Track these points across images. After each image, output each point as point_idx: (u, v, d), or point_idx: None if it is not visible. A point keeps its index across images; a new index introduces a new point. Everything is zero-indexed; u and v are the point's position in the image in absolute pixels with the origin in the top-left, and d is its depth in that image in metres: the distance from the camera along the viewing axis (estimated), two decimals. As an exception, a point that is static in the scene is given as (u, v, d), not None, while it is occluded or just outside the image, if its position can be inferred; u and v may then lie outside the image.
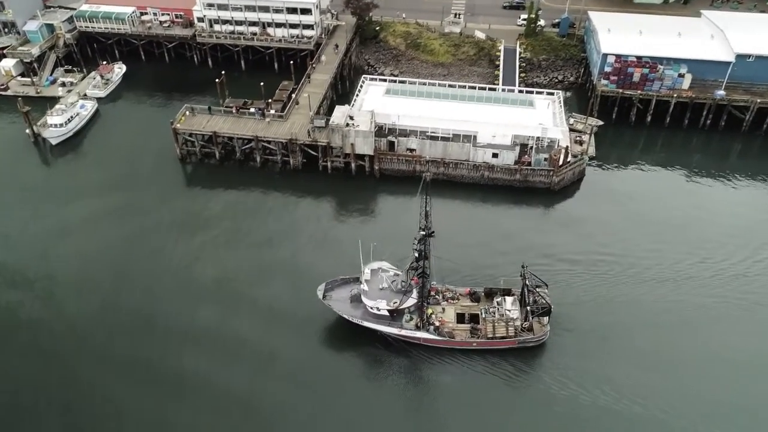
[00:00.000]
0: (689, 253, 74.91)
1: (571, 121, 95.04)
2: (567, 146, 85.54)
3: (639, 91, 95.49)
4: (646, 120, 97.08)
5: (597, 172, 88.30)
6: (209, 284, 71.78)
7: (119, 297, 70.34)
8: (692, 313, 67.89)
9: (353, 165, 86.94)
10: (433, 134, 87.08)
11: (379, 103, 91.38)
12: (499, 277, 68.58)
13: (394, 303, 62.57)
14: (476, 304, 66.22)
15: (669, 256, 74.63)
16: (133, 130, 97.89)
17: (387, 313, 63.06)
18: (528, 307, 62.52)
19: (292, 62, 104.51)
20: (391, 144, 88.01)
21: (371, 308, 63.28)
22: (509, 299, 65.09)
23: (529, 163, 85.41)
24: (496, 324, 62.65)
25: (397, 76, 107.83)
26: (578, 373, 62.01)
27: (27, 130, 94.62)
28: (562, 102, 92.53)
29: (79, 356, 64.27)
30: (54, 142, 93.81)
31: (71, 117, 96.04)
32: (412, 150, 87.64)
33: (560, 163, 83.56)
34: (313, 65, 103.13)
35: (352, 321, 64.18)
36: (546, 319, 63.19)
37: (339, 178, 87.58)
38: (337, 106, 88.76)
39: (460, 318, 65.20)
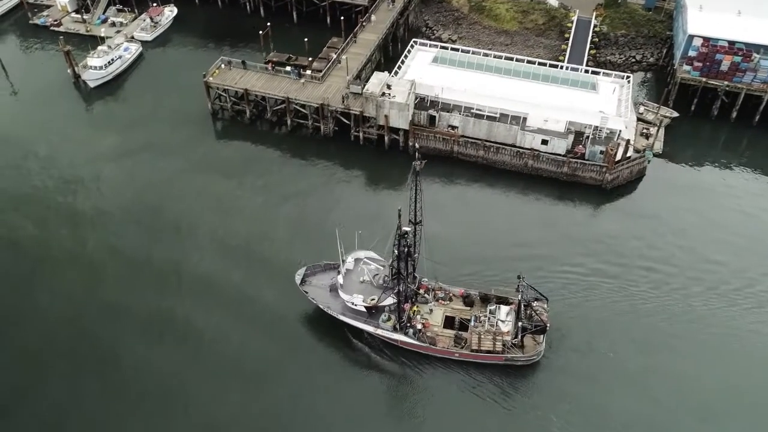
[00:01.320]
0: (756, 280, 64.53)
1: (641, 109, 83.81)
2: (628, 139, 75.24)
3: (726, 82, 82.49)
4: (731, 116, 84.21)
5: (661, 172, 77.28)
6: (214, 235, 69.92)
7: (125, 233, 70.66)
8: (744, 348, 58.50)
9: (387, 139, 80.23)
10: (478, 112, 78.83)
11: (425, 71, 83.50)
12: (512, 281, 61.24)
13: (372, 300, 56.65)
14: (469, 308, 59.08)
15: (730, 279, 64.51)
16: (172, 79, 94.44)
17: (364, 310, 57.23)
18: (521, 323, 55.11)
19: (342, 18, 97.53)
20: (432, 119, 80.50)
21: (347, 302, 57.58)
22: (504, 309, 57.69)
23: (582, 155, 75.92)
24: (482, 336, 55.52)
25: (455, 41, 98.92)
26: (571, 408, 54.17)
27: (68, 70, 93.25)
28: (631, 87, 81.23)
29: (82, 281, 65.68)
30: (92, 84, 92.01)
31: (112, 60, 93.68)
32: (453, 127, 79.85)
33: (617, 158, 73.62)
34: (363, 23, 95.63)
35: (327, 312, 58.75)
36: (541, 337, 55.81)
37: (370, 152, 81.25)
38: (375, 73, 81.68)
39: (449, 322, 58.43)
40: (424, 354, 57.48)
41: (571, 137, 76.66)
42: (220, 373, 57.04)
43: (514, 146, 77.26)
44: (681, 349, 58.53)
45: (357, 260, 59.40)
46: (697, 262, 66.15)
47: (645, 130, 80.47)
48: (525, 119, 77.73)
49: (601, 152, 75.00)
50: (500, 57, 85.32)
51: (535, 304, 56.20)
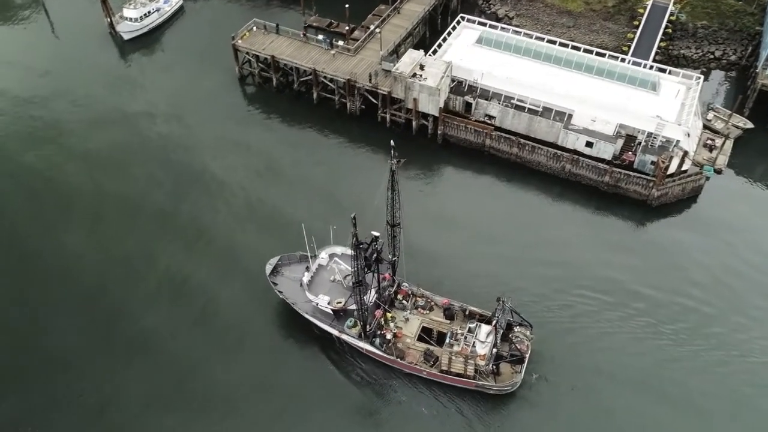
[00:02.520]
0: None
1: (710, 115, 73.44)
2: (686, 151, 65.73)
3: (817, 93, 70.99)
4: (818, 134, 72.73)
5: (720, 192, 67.25)
6: (222, 196, 67.84)
7: (139, 184, 69.79)
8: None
9: (414, 123, 73.65)
10: (519, 103, 70.89)
11: (466, 52, 75.74)
12: (523, 298, 55.44)
13: (338, 303, 51.61)
14: (448, 322, 53.20)
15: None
16: (209, 36, 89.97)
17: (330, 312, 52.30)
18: (495, 349, 49.09)
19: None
20: (468, 106, 73.21)
21: (312, 302, 52.79)
22: (485, 329, 51.45)
23: (630, 163, 67.13)
24: (453, 357, 49.72)
25: (511, 18, 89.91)
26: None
27: (105, 19, 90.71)
28: (699, 89, 70.79)
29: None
30: (126, 37, 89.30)
31: (149, 12, 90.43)
32: (491, 117, 72.33)
33: (669, 172, 64.50)
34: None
35: (293, 307, 54.07)
36: (520, 366, 49.77)
37: (396, 136, 73.10)
38: (409, 50, 74.58)
39: (426, 334, 52.76)
40: (392, 366, 52.49)
41: (621, 142, 67.80)
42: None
43: (555, 146, 69.20)
44: (702, 411, 50.83)
45: (331, 256, 54.41)
46: (742, 308, 57.06)
47: (710, 141, 70.32)
48: (570, 116, 69.27)
49: (652, 163, 65.99)
50: (553, 42, 76.15)
51: (516, 329, 50.41)
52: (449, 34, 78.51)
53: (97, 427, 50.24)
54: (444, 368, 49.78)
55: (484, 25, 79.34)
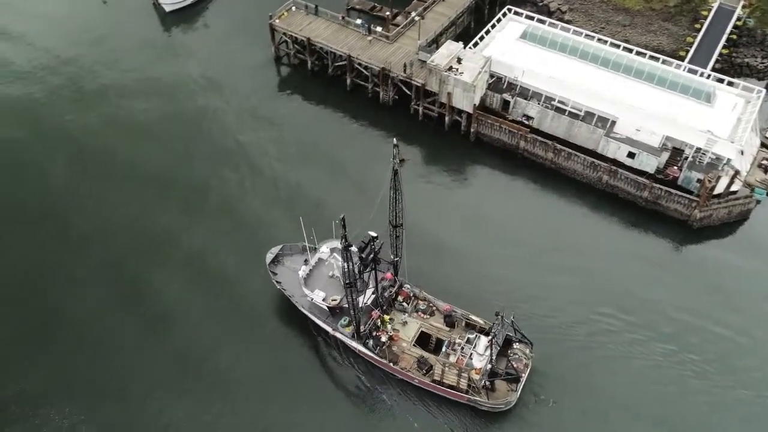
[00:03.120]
0: None
1: (769, 133, 67.76)
2: (738, 171, 60.72)
3: None
4: None
5: (770, 219, 62.29)
6: (249, 174, 66.93)
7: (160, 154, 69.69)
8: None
9: (447, 119, 70.46)
10: (560, 105, 66.82)
11: (509, 47, 71.75)
12: (538, 309, 53.00)
13: (333, 300, 49.71)
14: (448, 329, 50.68)
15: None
16: (250, 12, 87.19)
17: (326, 308, 50.53)
18: (489, 365, 46.49)
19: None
20: (506, 104, 69.53)
21: (306, 296, 51.15)
22: (484, 341, 48.81)
23: (675, 179, 62.51)
24: (447, 367, 47.29)
25: (564, 12, 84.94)
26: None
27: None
28: (759, 103, 65.08)
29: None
30: (167, 9, 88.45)
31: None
32: (529, 118, 68.56)
33: (716, 192, 59.72)
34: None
35: (290, 300, 52.59)
36: (516, 385, 47.23)
37: (426, 130, 71.96)
38: (448, 42, 71.09)
39: (423, 339, 50.52)
40: (384, 370, 50.57)
41: (666, 155, 63.16)
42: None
43: (594, 153, 65.07)
44: None
45: (333, 250, 52.40)
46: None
47: (766, 161, 64.82)
48: (614, 123, 64.88)
49: (698, 181, 61.23)
50: (604, 42, 71.30)
51: (516, 346, 47.82)
52: (493, 26, 74.50)
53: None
54: (436, 378, 47.70)
55: (532, 18, 74.91)
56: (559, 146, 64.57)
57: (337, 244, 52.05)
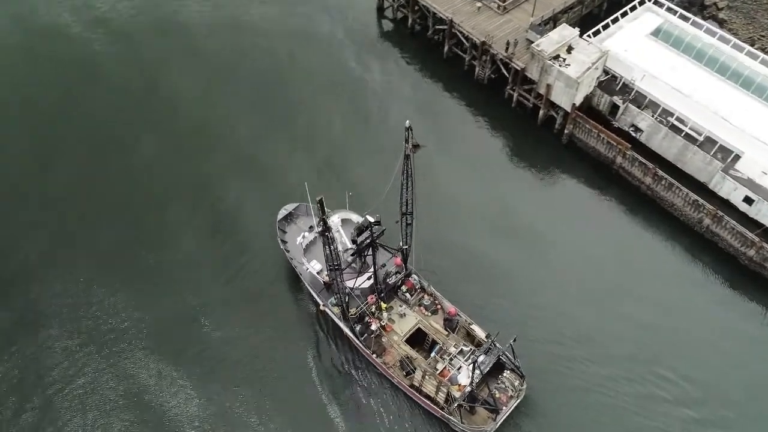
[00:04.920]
0: None
1: None
2: None
3: None
4: None
5: None
6: (307, 132, 63.04)
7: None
8: None
9: (542, 113, 62.14)
10: (678, 122, 56.66)
11: (636, 44, 61.35)
12: (577, 351, 47.11)
13: (327, 275, 46.02)
14: (446, 333, 45.79)
15: None
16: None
17: (320, 281, 47.08)
18: (469, 388, 41.62)
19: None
20: (614, 108, 60.17)
21: (304, 265, 47.93)
22: (479, 357, 43.23)
23: (795, 241, 51.59)
24: (428, 376, 42.71)
25: (720, 9, 71.61)
26: None
27: None
28: None
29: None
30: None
31: None
32: (637, 129, 59.05)
33: (842, 271, 48.54)
34: (601, -50, 72.72)
35: (290, 263, 49.49)
36: (496, 416, 42.35)
37: (517, 119, 64.13)
38: (563, 25, 61.73)
39: (419, 337, 46.23)
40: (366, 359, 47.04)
41: (792, 209, 52.07)
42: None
43: (702, 188, 55.06)
44: None
45: (344, 221, 48.35)
46: None
47: None
48: (736, 158, 54.17)
49: (825, 250, 50.04)
50: (755, 57, 58.90)
51: (506, 374, 43.28)
52: (624, 14, 63.94)
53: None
54: (415, 384, 43.57)
55: (674, 13, 63.37)
56: (660, 173, 54.90)
57: (351, 216, 48.84)
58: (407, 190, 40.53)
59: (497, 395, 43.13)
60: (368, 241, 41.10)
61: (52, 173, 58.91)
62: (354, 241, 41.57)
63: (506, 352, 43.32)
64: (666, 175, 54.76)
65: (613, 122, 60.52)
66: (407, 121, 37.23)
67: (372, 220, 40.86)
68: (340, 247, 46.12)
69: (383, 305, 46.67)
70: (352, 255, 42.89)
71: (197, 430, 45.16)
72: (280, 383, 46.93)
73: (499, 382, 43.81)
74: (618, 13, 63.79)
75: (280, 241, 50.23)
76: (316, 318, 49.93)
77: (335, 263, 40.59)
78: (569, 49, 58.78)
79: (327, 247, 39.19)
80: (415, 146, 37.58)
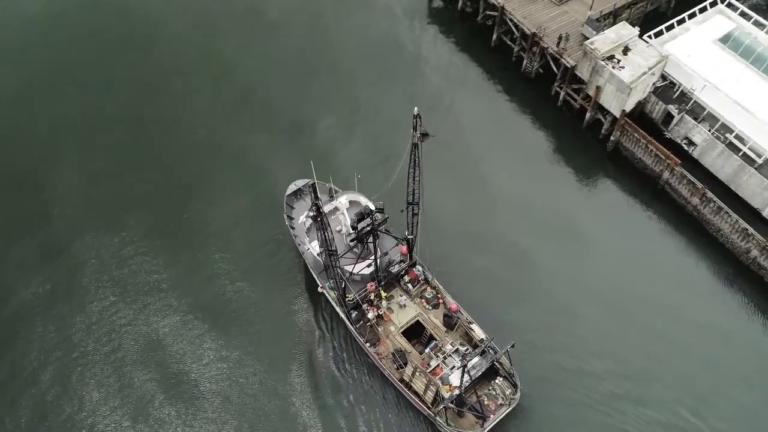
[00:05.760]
0: None
1: None
2: None
3: None
4: None
5: None
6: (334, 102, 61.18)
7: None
8: None
9: (588, 116, 58.09)
10: (736, 140, 52.11)
11: (701, 50, 56.35)
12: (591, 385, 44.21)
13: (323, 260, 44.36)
14: (445, 329, 43.90)
15: None
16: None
17: (321, 263, 45.08)
18: (457, 391, 39.60)
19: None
20: (668, 117, 55.76)
21: (305, 245, 46.59)
22: (474, 359, 41.54)
23: None
24: (418, 372, 41.07)
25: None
26: None
27: None
28: None
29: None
30: None
31: None
32: (690, 143, 54.69)
33: None
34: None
35: (294, 240, 48.25)
36: (484, 422, 40.88)
37: (561, 119, 60.23)
38: (623, 23, 57.11)
39: (418, 330, 44.80)
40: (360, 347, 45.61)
41: None
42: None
43: (755, 214, 50.71)
44: None
45: (352, 203, 46.57)
46: None
47: None
48: (798, 186, 49.47)
49: None
50: (836, 76, 53.44)
51: (499, 380, 41.43)
52: (692, 16, 58.77)
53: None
54: (405, 379, 41.98)
55: (748, 18, 57.85)
56: (709, 194, 50.58)
57: (360, 199, 47.07)
58: (414, 180, 38.97)
59: (486, 402, 41.50)
60: (368, 228, 39.61)
61: (104, 120, 59.25)
62: (353, 227, 40.21)
63: (502, 358, 41.54)
64: (715, 198, 50.41)
65: (665, 132, 56.16)
66: (416, 108, 35.23)
67: (373, 208, 39.51)
68: (343, 230, 45.10)
69: (383, 294, 45.18)
70: (350, 241, 41.38)
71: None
72: (272, 349, 46.75)
73: (490, 388, 42.14)
74: (685, 14, 58.63)
75: (285, 217, 48.86)
76: (316, 301, 48.70)
77: (330, 248, 39.27)
78: (626, 50, 54.41)
79: (321, 232, 37.86)
80: (424, 135, 36.02)
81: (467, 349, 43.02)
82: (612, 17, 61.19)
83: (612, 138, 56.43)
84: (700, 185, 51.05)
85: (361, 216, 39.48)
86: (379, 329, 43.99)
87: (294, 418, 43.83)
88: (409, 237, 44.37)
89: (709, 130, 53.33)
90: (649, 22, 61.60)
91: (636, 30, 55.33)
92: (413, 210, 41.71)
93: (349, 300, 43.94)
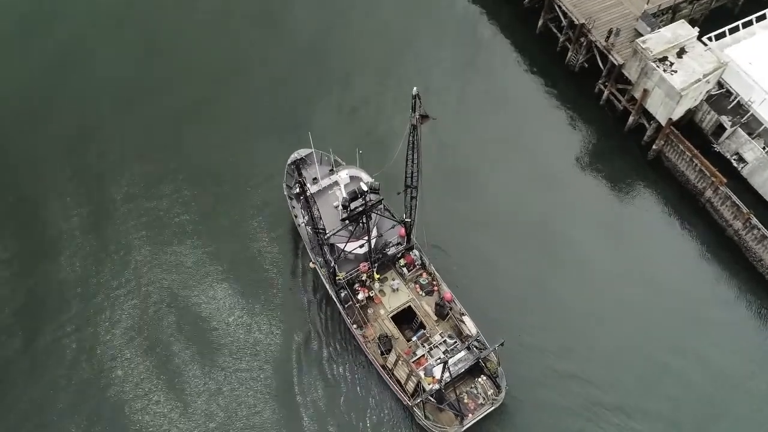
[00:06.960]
0: None
1: None
2: None
3: None
4: None
5: None
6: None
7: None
8: None
9: (631, 120, 53.87)
10: (792, 162, 47.69)
11: (766, 57, 51.28)
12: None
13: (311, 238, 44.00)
14: (435, 319, 42.81)
15: None
16: None
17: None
18: (437, 386, 37.82)
19: None
20: (720, 129, 51.39)
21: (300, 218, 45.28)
22: (460, 352, 40.11)
23: None
24: (401, 362, 39.82)
25: None
26: None
27: None
28: None
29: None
30: None
31: None
32: (741, 160, 50.47)
33: None
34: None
35: (291, 211, 46.61)
36: (463, 419, 39.35)
37: (602, 120, 56.11)
38: (682, 21, 52.13)
39: (409, 316, 43.49)
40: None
41: None
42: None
43: (803, 246, 46.50)
44: None
45: (353, 178, 44.62)
46: None
47: None
48: None
49: None
50: None
51: (482, 379, 40.47)
52: (761, 19, 53.48)
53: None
54: (388, 366, 40.52)
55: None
56: (754, 221, 46.47)
57: (361, 175, 45.08)
58: (413, 163, 36.81)
59: (466, 400, 39.87)
60: (361, 209, 37.70)
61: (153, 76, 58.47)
62: (344, 207, 38.35)
63: (490, 356, 39.72)
64: (760, 225, 46.28)
65: (714, 145, 51.84)
66: (414, 89, 32.61)
67: (365, 188, 37.55)
68: (340, 207, 42.96)
69: (376, 275, 43.44)
70: (342, 220, 39.34)
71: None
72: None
73: (472, 386, 40.44)
74: (753, 16, 53.42)
75: (284, 186, 47.00)
76: (308, 276, 47.53)
77: (317, 227, 38.02)
78: (681, 53, 49.81)
79: (305, 210, 36.61)
80: (423, 117, 33.68)
81: (455, 342, 41.41)
82: (671, 12, 56.14)
83: (654, 146, 52.28)
84: (745, 209, 46.91)
85: (354, 195, 37.67)
86: (369, 311, 42.71)
87: (271, 384, 43.69)
88: (406, 220, 42.41)
89: (764, 148, 48.93)
90: (713, 20, 56.31)
91: (695, 31, 50.47)
92: (411, 193, 39.70)
93: (339, 279, 42.42)
